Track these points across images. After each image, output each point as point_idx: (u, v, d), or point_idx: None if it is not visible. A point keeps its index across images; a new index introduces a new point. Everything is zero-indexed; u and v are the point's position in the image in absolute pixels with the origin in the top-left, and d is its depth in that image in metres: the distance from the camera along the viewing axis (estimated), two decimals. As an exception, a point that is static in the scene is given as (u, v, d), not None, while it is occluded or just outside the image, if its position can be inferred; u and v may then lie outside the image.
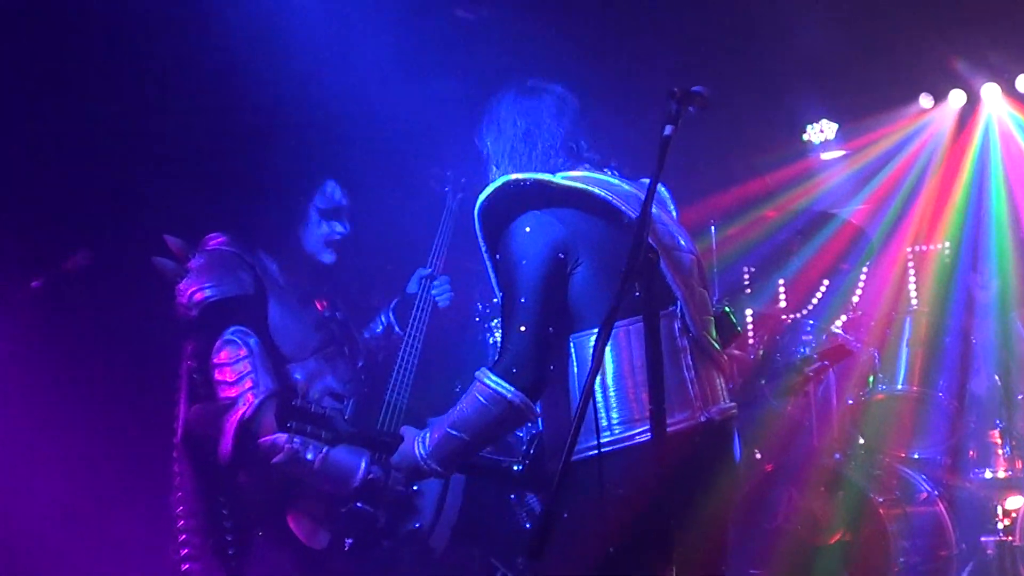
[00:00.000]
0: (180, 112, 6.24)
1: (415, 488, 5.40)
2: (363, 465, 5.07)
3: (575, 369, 3.85)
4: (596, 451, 3.68)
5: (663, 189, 4.22)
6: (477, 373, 3.84)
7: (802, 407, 7.17)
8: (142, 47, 6.11)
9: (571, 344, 3.85)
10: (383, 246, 6.38)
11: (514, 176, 3.95)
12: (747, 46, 7.63)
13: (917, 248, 8.04)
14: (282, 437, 4.96)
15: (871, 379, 7.11)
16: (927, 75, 8.17)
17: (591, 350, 3.76)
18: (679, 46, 7.41)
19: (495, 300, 5.62)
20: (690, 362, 3.91)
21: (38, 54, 6.11)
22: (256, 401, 5.01)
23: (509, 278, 3.86)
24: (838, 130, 8.42)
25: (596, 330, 3.72)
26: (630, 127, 5.30)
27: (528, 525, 5.46)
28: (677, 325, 3.92)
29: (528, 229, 3.87)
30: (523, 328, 3.78)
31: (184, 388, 5.25)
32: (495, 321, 5.65)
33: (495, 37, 6.92)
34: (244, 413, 5.00)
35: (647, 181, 3.89)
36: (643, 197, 3.72)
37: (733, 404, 4.04)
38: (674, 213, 4.24)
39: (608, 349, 3.76)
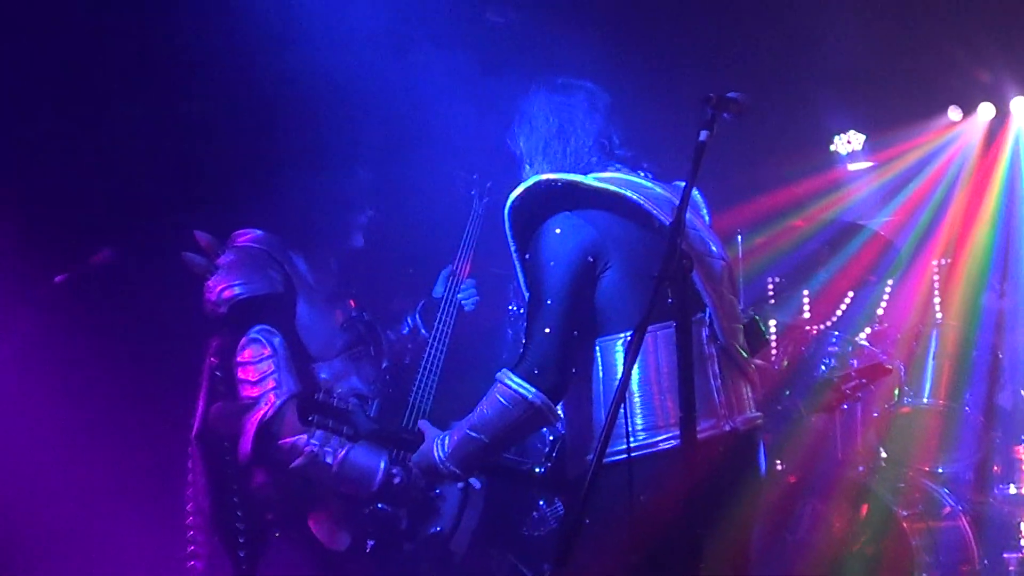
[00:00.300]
0: (208, 107, 6.25)
1: (437, 492, 5.38)
2: (382, 466, 5.05)
3: (600, 373, 3.82)
4: (622, 456, 3.65)
5: (697, 194, 4.17)
6: (498, 374, 3.81)
7: (826, 419, 7.09)
8: (172, 42, 6.12)
9: (596, 348, 3.82)
10: (408, 248, 6.37)
11: (545, 176, 3.92)
12: (777, 54, 7.61)
13: (944, 261, 8.00)
14: (302, 439, 4.96)
15: (897, 392, 7.05)
16: (956, 88, 8.11)
17: (617, 354, 3.77)
18: (710, 53, 7.40)
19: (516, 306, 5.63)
20: (717, 370, 3.88)
21: (69, 51, 6.13)
22: (278, 402, 4.99)
23: (537, 279, 3.83)
24: (865, 141, 8.38)
25: (622, 334, 3.78)
26: (659, 131, 5.27)
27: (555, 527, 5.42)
28: (705, 332, 3.88)
29: (558, 231, 3.84)
30: (548, 330, 3.74)
31: (205, 385, 5.25)
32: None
33: (526, 42, 6.89)
34: (265, 413, 4.99)
35: (681, 184, 3.93)
36: (676, 201, 3.70)
37: (759, 414, 4.01)
38: (707, 218, 4.21)
39: (642, 355, 3.73)
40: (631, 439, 3.70)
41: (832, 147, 8.45)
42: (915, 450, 6.96)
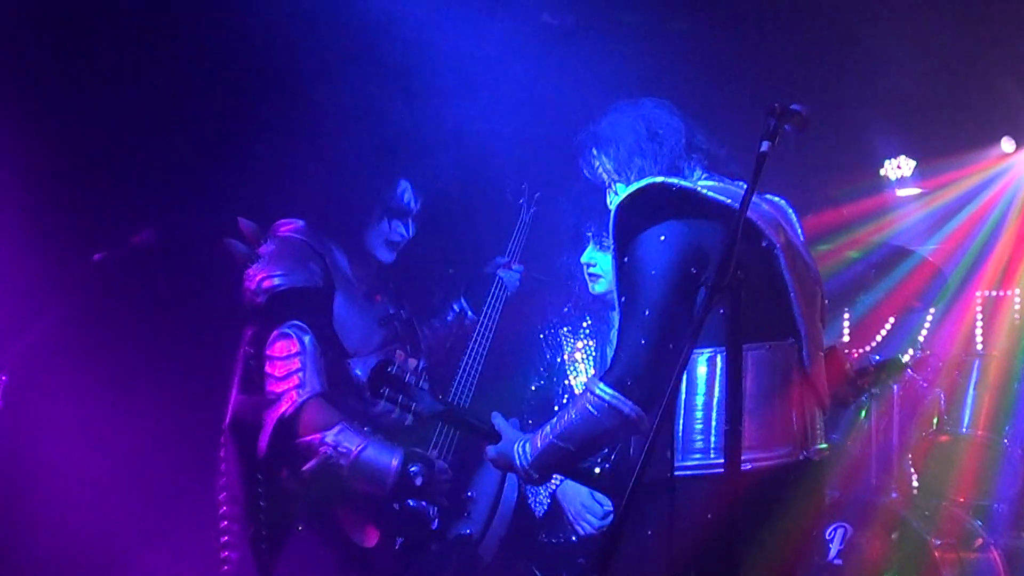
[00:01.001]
0: (259, 97, 6.23)
1: (469, 494, 5.36)
2: (394, 464, 4.97)
3: (683, 386, 3.76)
4: (691, 472, 3.66)
5: (791, 211, 4.12)
6: (587, 382, 3.79)
7: (863, 443, 7.05)
8: (221, 24, 6.10)
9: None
10: (449, 248, 6.34)
11: (660, 179, 3.85)
12: (832, 75, 7.59)
13: (989, 293, 7.96)
14: (317, 439, 4.93)
15: (936, 420, 6.99)
16: (1010, 119, 8.01)
17: (699, 368, 3.73)
18: (765, 70, 7.37)
19: (565, 310, 5.60)
20: (798, 398, 3.83)
21: (115, 35, 6.15)
22: (299, 400, 4.95)
23: (635, 286, 3.77)
24: (916, 167, 8.31)
25: (708, 349, 3.72)
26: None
27: (574, 540, 5.36)
28: (794, 358, 3.83)
29: (663, 238, 3.77)
30: (643, 341, 3.69)
31: (239, 373, 5.21)
32: (565, 330, 5.59)
33: (582, 48, 6.86)
34: (285, 411, 4.95)
35: (776, 198, 3.98)
36: (780, 218, 3.83)
37: (828, 446, 3.99)
38: (802, 238, 4.13)
39: (720, 373, 3.70)
40: (703, 456, 3.69)
41: (882, 171, 8.38)
42: (951, 480, 6.88)
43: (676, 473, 3.67)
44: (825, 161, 7.58)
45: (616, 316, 3.90)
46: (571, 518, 5.31)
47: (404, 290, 5.63)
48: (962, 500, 6.87)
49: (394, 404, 4.32)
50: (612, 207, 3.93)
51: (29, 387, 5.61)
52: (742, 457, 3.57)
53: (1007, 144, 8.15)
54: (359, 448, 4.95)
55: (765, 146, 3.49)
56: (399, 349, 5.19)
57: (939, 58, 7.51)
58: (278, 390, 4.97)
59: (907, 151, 8.34)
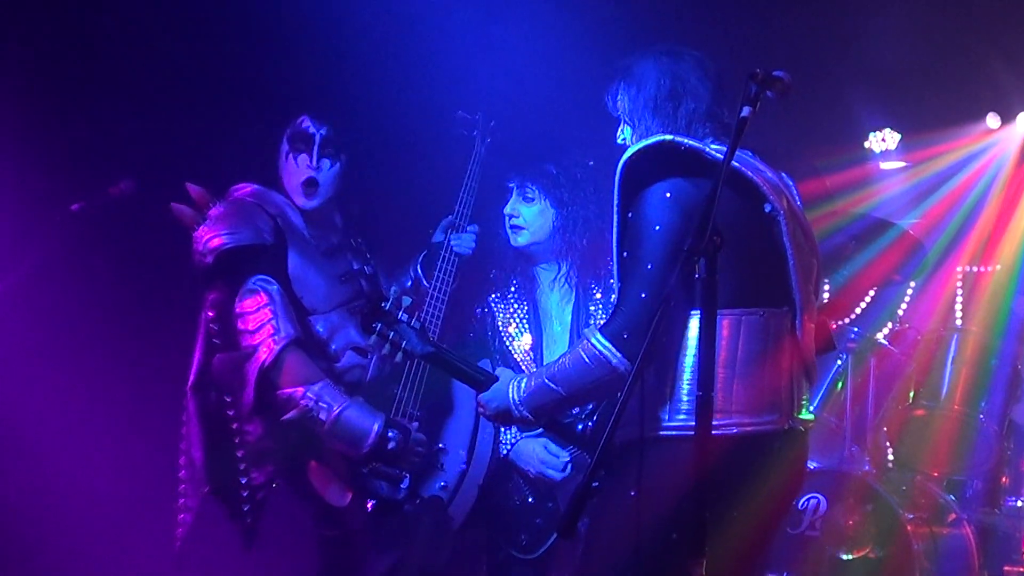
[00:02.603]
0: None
1: (440, 446, 5.35)
2: (376, 429, 4.96)
3: (676, 347, 3.75)
4: (675, 432, 3.68)
5: (790, 182, 4.11)
6: (585, 331, 3.84)
7: (837, 414, 7.10)
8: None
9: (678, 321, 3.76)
10: (407, 196, 6.32)
11: (671, 137, 3.83)
12: (817, 45, 7.53)
13: (969, 268, 7.94)
14: (299, 391, 4.91)
15: (912, 394, 6.99)
16: (997, 95, 8.00)
17: (691, 330, 3.71)
18: (748, 40, 7.27)
19: (491, 275, 5.56)
20: (787, 366, 3.84)
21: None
22: (277, 348, 4.93)
23: (638, 241, 3.76)
24: (900, 141, 8.30)
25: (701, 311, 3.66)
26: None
27: (531, 501, 5.35)
28: (786, 326, 3.85)
29: (669, 195, 3.76)
30: (643, 295, 3.69)
31: (201, 337, 5.17)
32: (494, 296, 5.56)
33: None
34: (265, 360, 4.92)
35: (785, 175, 3.99)
36: (785, 186, 3.86)
37: (813, 416, 4.05)
38: (800, 205, 4.11)
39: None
40: (689, 417, 3.62)
41: (866, 144, 8.37)
42: (926, 454, 6.89)
43: (662, 433, 3.71)
44: (809, 132, 7.53)
45: (615, 269, 3.91)
46: (532, 476, 5.29)
47: (371, 245, 5.57)
48: (936, 475, 6.90)
49: (385, 340, 4.35)
50: (622, 156, 3.90)
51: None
52: (723, 421, 3.64)
53: (992, 120, 8.12)
54: (341, 407, 4.94)
55: (746, 111, 3.47)
56: (362, 302, 5.16)
57: (927, 31, 7.48)
58: (254, 342, 4.94)
59: (892, 124, 8.33)
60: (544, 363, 5.15)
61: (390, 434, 4.99)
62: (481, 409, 4.19)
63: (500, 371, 4.18)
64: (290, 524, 5.45)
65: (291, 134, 5.32)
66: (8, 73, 5.99)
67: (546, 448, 5.26)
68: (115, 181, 5.59)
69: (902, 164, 8.37)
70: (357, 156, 5.39)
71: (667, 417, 3.73)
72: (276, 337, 4.94)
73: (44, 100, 6.11)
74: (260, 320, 4.97)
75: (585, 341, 3.78)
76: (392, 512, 5.26)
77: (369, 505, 5.24)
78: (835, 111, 7.97)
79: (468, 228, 5.50)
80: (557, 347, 5.39)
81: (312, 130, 5.30)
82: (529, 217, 5.40)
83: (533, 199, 5.40)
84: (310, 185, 5.27)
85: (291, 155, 5.30)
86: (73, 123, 6.18)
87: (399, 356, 4.50)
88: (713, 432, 3.51)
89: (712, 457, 3.34)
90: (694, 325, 3.68)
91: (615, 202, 3.90)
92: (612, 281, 4.04)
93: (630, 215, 3.83)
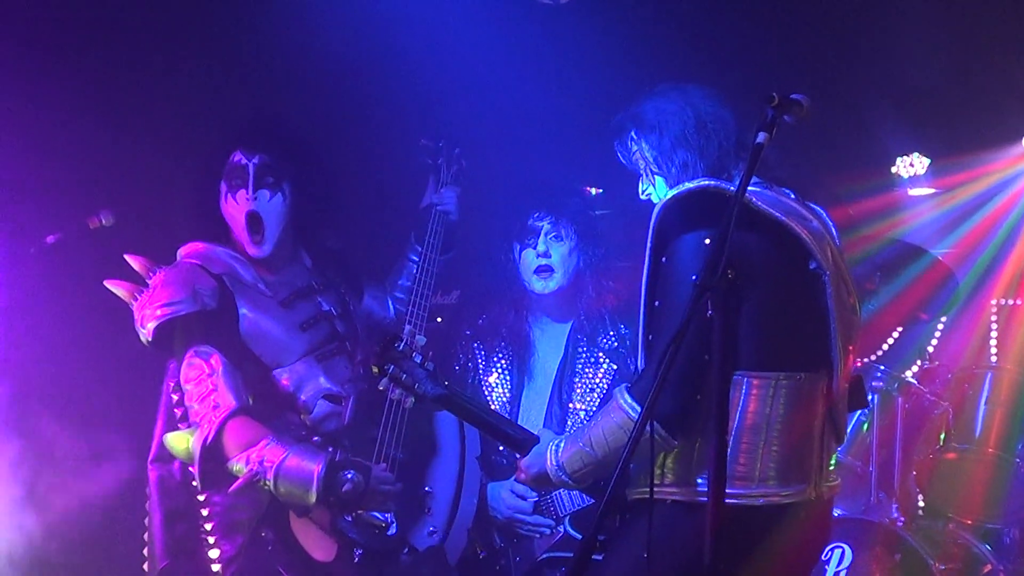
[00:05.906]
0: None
1: (426, 489, 5.20)
2: (319, 470, 4.75)
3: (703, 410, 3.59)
4: (700, 498, 3.54)
5: (829, 221, 3.95)
6: (616, 390, 3.74)
7: (863, 458, 6.91)
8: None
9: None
10: (374, 229, 6.11)
11: (715, 184, 3.65)
12: (844, 67, 7.40)
13: (1004, 302, 7.81)
14: (242, 458, 4.76)
15: (943, 436, 6.80)
16: (1030, 117, 7.86)
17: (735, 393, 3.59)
18: (775, 61, 7.16)
19: (479, 322, 5.41)
20: (818, 432, 3.72)
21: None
22: (217, 422, 4.79)
23: (672, 290, 3.64)
24: (929, 166, 8.10)
25: (736, 373, 3.57)
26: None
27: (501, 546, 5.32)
28: (822, 390, 3.71)
29: (708, 242, 3.55)
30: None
31: (162, 408, 5.08)
32: (475, 345, 5.44)
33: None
34: (207, 437, 4.78)
35: (814, 206, 3.88)
36: (829, 236, 3.78)
37: (838, 479, 3.90)
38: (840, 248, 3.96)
39: (743, 398, 3.62)
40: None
41: (894, 169, 8.18)
42: (958, 500, 6.73)
43: (679, 498, 3.65)
44: (834, 157, 7.33)
45: (641, 318, 3.78)
46: (501, 521, 5.21)
47: (345, 280, 5.38)
48: (969, 522, 6.72)
49: (397, 384, 4.27)
50: (654, 201, 3.82)
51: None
52: (757, 491, 3.62)
53: (1027, 144, 7.96)
54: (280, 459, 4.77)
55: (761, 137, 3.40)
56: (336, 348, 5.09)
57: (956, 50, 7.32)
58: (197, 419, 4.85)
59: (921, 148, 8.13)
60: (520, 415, 5.15)
61: (348, 475, 4.80)
62: (522, 476, 4.04)
63: (542, 432, 4.06)
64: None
65: (227, 171, 5.09)
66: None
67: (512, 491, 5.15)
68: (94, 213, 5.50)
69: (932, 191, 8.17)
70: (306, 185, 5.16)
71: (689, 479, 3.64)
72: (216, 412, 4.80)
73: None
74: (202, 394, 4.84)
75: (614, 402, 3.70)
76: (384, 561, 5.09)
77: (356, 555, 5.03)
78: (860, 135, 7.81)
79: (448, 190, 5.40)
80: (538, 399, 5.25)
81: (244, 161, 5.07)
82: (559, 259, 5.13)
83: (563, 238, 5.16)
84: (253, 221, 5.04)
85: (229, 194, 5.07)
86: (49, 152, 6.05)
87: (411, 401, 4.36)
88: (737, 502, 3.53)
89: (733, 526, 3.32)
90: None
91: (648, 246, 3.75)
92: (639, 331, 3.87)
93: (664, 260, 3.70)
